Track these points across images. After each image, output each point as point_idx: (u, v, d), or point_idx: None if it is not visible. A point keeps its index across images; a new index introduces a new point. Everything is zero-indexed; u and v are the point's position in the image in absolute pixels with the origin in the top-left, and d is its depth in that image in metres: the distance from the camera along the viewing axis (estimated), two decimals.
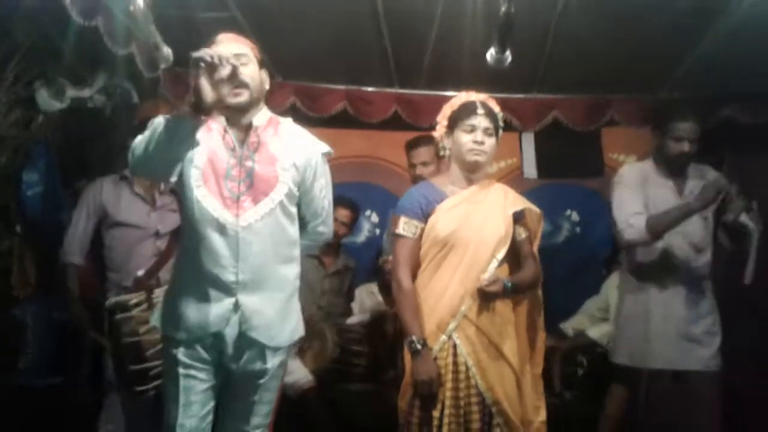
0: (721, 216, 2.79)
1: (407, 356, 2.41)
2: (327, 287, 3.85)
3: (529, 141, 4.37)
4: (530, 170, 4.42)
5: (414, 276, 2.46)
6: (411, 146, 3.34)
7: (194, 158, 2.09)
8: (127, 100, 3.41)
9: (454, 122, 2.50)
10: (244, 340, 2.12)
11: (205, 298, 2.09)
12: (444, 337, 2.35)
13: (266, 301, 2.15)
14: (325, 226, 2.37)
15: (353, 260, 4.03)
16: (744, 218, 2.75)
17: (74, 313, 3.15)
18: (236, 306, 2.10)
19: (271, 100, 3.82)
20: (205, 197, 2.08)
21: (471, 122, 2.45)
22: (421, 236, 2.46)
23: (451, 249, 2.40)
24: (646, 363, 2.92)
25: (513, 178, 4.35)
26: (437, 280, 2.41)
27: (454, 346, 2.35)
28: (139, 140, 1.97)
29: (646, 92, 3.86)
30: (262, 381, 2.17)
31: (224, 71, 1.87)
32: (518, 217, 2.49)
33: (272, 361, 2.18)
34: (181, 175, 2.10)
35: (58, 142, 3.40)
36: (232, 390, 2.19)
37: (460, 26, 3.11)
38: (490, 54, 2.85)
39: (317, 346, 3.48)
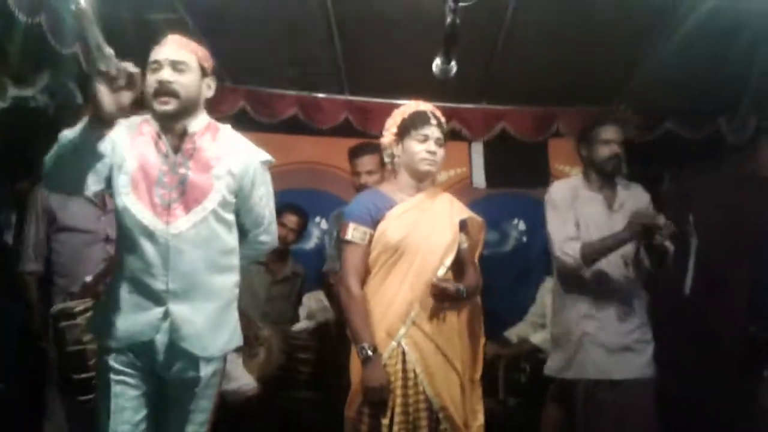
0: (646, 238, 2.82)
1: (355, 363, 2.40)
2: (274, 293, 3.82)
3: (478, 151, 4.44)
4: (479, 179, 4.48)
5: (362, 283, 2.46)
6: (355, 154, 3.32)
7: (124, 165, 2.05)
8: (71, 100, 3.34)
9: (405, 130, 2.50)
10: (175, 350, 2.08)
11: (135, 306, 2.06)
12: (393, 344, 2.36)
13: (197, 310, 2.10)
14: (268, 235, 2.35)
15: (302, 267, 4.01)
16: (667, 242, 2.81)
17: (34, 321, 3.08)
18: (166, 315, 2.06)
19: (221, 104, 3.80)
20: (134, 204, 2.04)
21: (424, 132, 2.46)
22: (370, 243, 2.45)
23: (402, 255, 2.41)
24: (583, 374, 2.95)
25: (462, 187, 4.40)
26: (387, 287, 2.42)
27: (403, 353, 2.36)
28: (48, 155, 1.91)
29: (592, 105, 3.95)
30: (195, 389, 2.14)
31: (120, 81, 1.80)
32: (462, 226, 2.52)
33: (205, 370, 2.14)
34: (110, 182, 2.06)
35: None
36: (165, 398, 2.15)
37: (410, 35, 3.14)
38: (436, 64, 2.88)
39: (262, 352, 3.45)
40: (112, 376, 2.06)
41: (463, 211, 2.56)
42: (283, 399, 3.51)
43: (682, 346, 3.31)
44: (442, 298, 2.38)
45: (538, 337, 3.78)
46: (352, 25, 3.18)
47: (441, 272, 2.42)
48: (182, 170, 2.09)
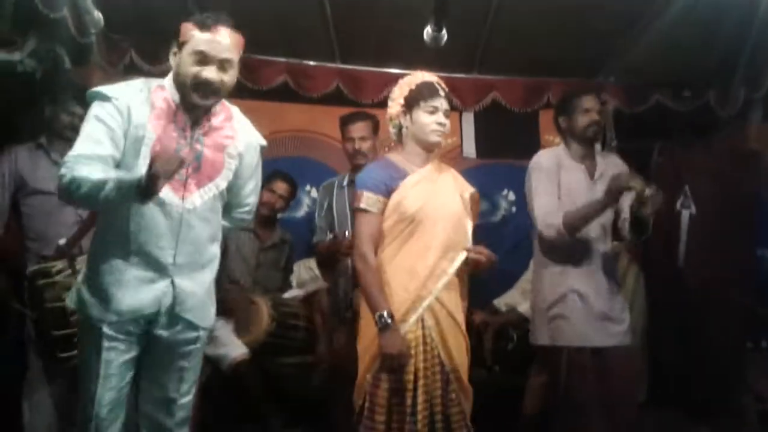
0: (633, 208, 2.84)
1: (369, 330, 2.40)
2: (263, 260, 3.84)
3: (469, 121, 4.43)
4: (469, 149, 4.48)
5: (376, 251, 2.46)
6: (347, 121, 3.30)
7: (143, 135, 2.02)
8: (59, 64, 3.30)
9: (413, 102, 2.49)
10: (177, 318, 2.12)
11: (140, 280, 2.06)
12: (420, 311, 2.39)
13: (198, 282, 2.15)
14: (249, 215, 2.40)
15: (290, 234, 4.02)
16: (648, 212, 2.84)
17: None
18: (171, 287, 2.09)
19: None
20: None
21: (433, 103, 2.46)
22: (383, 212, 2.45)
23: (418, 225, 2.42)
24: (565, 341, 3.00)
25: (453, 157, 4.40)
26: (405, 256, 2.43)
27: (422, 319, 2.39)
28: (82, 181, 1.89)
29: (583, 76, 3.96)
30: (191, 348, 2.18)
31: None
32: (465, 196, 2.56)
33: (202, 332, 2.21)
34: (124, 153, 2.02)
35: None
36: (159, 361, 2.17)
37: (402, 3, 3.12)
38: (427, 32, 2.87)
39: (253, 319, 3.48)
40: (105, 344, 2.04)
41: (465, 185, 2.60)
42: (274, 365, 3.54)
43: (676, 317, 3.35)
44: (476, 266, 2.44)
45: (525, 306, 3.81)
46: None
47: (464, 245, 2.46)
48: (198, 146, 2.10)
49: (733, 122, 3.81)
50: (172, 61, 2.10)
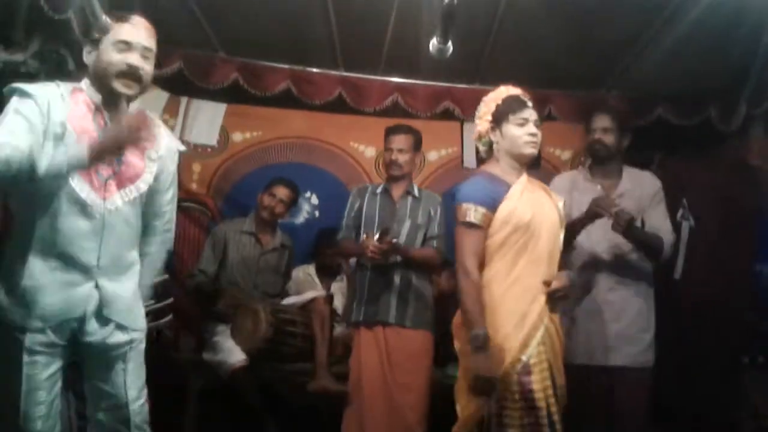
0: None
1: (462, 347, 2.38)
2: (263, 265, 3.85)
3: (470, 131, 4.42)
4: (470, 159, 4.47)
5: (481, 266, 2.39)
6: (390, 132, 3.36)
7: (63, 135, 1.98)
8: (63, 66, 3.30)
9: (502, 116, 2.49)
10: (103, 322, 2.07)
11: (62, 284, 2.01)
12: (543, 326, 2.34)
13: (123, 285, 2.13)
14: (169, 232, 2.35)
15: (290, 238, 4.03)
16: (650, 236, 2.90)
17: None
18: (96, 289, 2.05)
19: (214, 75, 3.78)
20: (74, 178, 1.99)
21: (523, 116, 2.47)
22: (489, 225, 2.38)
23: (531, 236, 2.37)
24: (572, 359, 2.98)
25: (453, 167, 4.40)
26: (520, 270, 2.36)
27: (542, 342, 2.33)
28: (19, 161, 1.84)
29: (586, 88, 3.96)
30: (125, 350, 2.12)
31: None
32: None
33: (134, 334, 2.15)
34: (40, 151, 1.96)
35: None
36: (97, 368, 2.11)
37: (407, 13, 3.13)
38: (432, 44, 2.87)
39: (251, 325, 3.47)
40: (26, 357, 1.96)
41: (557, 195, 2.59)
42: (271, 372, 3.53)
43: (672, 331, 3.33)
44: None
45: None
46: (348, 1, 3.16)
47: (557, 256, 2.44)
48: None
49: (734, 137, 3.82)
50: (89, 59, 2.10)
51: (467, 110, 4.03)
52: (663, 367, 3.11)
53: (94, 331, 2.06)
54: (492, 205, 2.38)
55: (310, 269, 4.12)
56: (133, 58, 2.06)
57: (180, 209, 4.13)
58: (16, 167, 1.84)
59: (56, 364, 2.03)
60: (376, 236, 3.09)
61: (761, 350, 3.73)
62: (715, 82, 3.60)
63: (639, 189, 3.04)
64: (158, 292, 2.90)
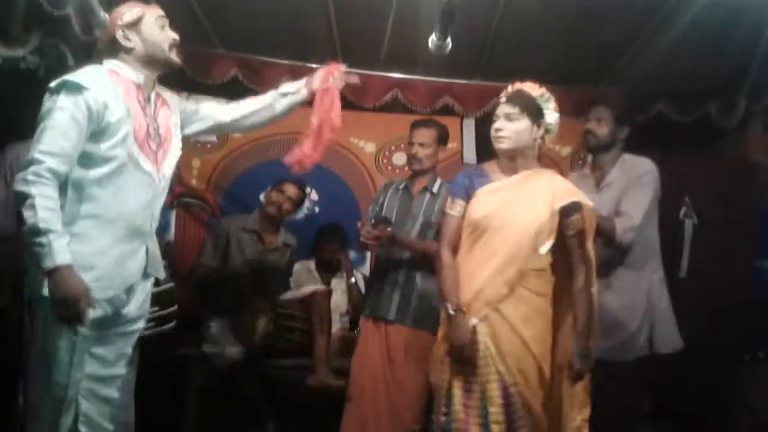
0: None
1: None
2: (264, 263, 3.85)
3: (469, 127, 4.43)
4: (470, 155, 4.48)
5: (456, 251, 2.56)
6: (414, 126, 3.35)
7: (122, 117, 2.11)
8: (62, 62, 3.29)
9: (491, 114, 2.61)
10: (146, 282, 2.28)
11: (126, 253, 2.17)
12: (474, 320, 2.41)
13: (156, 243, 2.33)
14: None
15: (293, 238, 4.02)
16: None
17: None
18: (146, 252, 2.25)
19: (213, 70, 3.78)
20: (139, 154, 2.16)
21: (497, 111, 2.53)
22: (464, 216, 2.55)
23: (484, 233, 2.44)
24: None
25: (453, 163, 4.39)
26: (468, 261, 2.49)
27: (474, 328, 2.41)
28: (29, 205, 1.94)
29: (586, 84, 3.96)
30: (137, 329, 2.32)
31: None
32: (569, 212, 2.43)
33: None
34: (103, 132, 2.07)
35: None
36: (110, 342, 2.21)
37: (406, 8, 3.12)
38: (432, 40, 2.87)
39: (250, 320, 3.48)
40: (81, 331, 2.05)
41: (569, 195, 2.44)
42: (270, 366, 3.54)
43: (679, 330, 3.32)
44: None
45: None
46: None
47: (535, 261, 2.41)
48: (155, 122, 2.26)
49: (734, 133, 3.82)
50: (127, 42, 2.20)
51: (467, 106, 4.05)
52: (663, 363, 3.12)
53: (136, 298, 2.24)
54: (465, 197, 2.57)
55: (310, 264, 4.12)
56: (172, 32, 2.27)
57: (180, 205, 4.19)
58: (63, 174, 2.00)
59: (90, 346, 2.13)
60: (371, 223, 3.09)
61: (762, 346, 3.74)
62: (715, 79, 3.60)
63: (627, 175, 3.02)
64: (164, 299, 2.93)
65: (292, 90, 2.56)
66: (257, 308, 3.47)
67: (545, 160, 4.33)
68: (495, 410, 2.35)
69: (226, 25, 3.54)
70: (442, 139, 3.30)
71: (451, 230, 2.57)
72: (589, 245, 2.45)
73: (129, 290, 2.21)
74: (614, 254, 2.96)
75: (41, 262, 1.93)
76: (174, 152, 2.32)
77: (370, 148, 4.43)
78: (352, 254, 4.23)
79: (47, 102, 2.06)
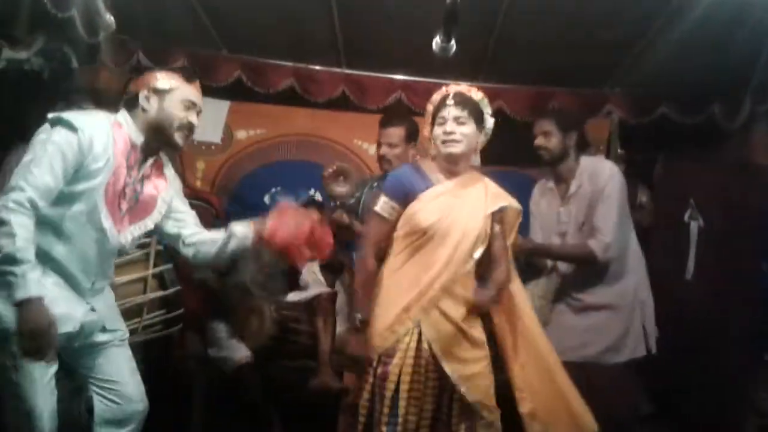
0: None
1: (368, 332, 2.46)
2: (271, 264, 3.84)
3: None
4: (473, 156, 4.47)
5: (380, 256, 2.47)
6: (381, 124, 3.24)
7: (105, 164, 2.08)
8: (66, 64, 3.31)
9: (432, 118, 2.50)
10: (90, 329, 2.19)
11: (67, 299, 2.09)
12: (410, 324, 2.37)
13: (105, 299, 2.28)
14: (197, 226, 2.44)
15: None
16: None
17: None
18: (91, 310, 2.17)
19: (217, 73, 3.79)
20: (103, 207, 2.10)
21: (442, 114, 2.44)
22: (397, 219, 2.44)
23: (430, 239, 2.40)
24: None
25: None
26: (410, 268, 2.41)
27: (419, 335, 2.37)
28: (4, 232, 1.90)
29: (589, 86, 3.96)
30: (111, 342, 2.26)
31: None
32: (497, 215, 2.48)
33: (115, 333, 2.29)
34: (78, 174, 2.05)
35: None
36: (89, 361, 2.23)
37: (410, 10, 3.13)
38: (436, 42, 2.87)
39: (255, 323, 3.47)
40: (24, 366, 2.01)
41: (499, 199, 2.49)
42: (275, 368, 3.54)
43: (682, 329, 3.32)
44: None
45: None
46: None
47: (470, 265, 2.41)
48: (138, 186, 2.21)
49: (738, 135, 3.81)
50: (146, 104, 2.19)
51: None
52: (669, 365, 3.11)
53: (83, 337, 2.17)
54: (404, 201, 2.44)
55: (314, 266, 4.11)
56: (194, 118, 2.25)
57: None
58: (41, 208, 1.97)
59: (52, 369, 2.09)
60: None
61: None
62: (719, 80, 3.60)
63: (590, 185, 2.99)
64: (170, 303, 2.93)
65: (240, 234, 2.38)
66: (263, 311, 3.47)
67: None
68: (427, 414, 2.36)
69: (231, 28, 3.54)
70: (411, 135, 3.19)
71: (378, 231, 2.47)
72: (510, 241, 2.54)
73: (73, 335, 2.12)
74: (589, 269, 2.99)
75: (13, 292, 1.89)
76: (146, 222, 2.26)
77: (373, 150, 4.41)
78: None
79: (42, 133, 2.06)
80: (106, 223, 2.10)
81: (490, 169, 4.41)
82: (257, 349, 3.44)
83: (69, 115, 2.06)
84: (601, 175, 2.98)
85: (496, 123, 3.98)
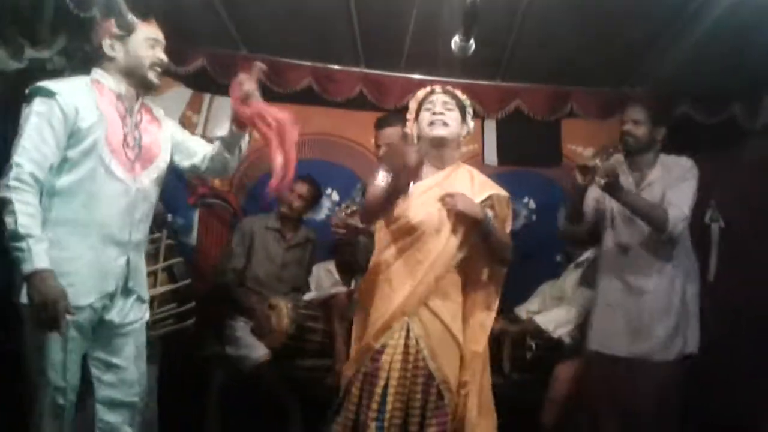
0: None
1: (357, 329, 2.55)
2: (288, 259, 3.87)
3: (491, 128, 4.42)
4: (491, 156, 4.47)
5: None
6: (378, 125, 3.27)
7: (95, 125, 2.15)
8: (88, 63, 3.33)
9: (417, 111, 2.57)
10: (127, 295, 2.27)
11: (101, 260, 2.17)
12: (405, 319, 2.40)
13: (141, 257, 2.36)
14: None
15: (313, 232, 4.04)
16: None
17: None
18: (127, 263, 2.25)
19: (235, 72, 3.78)
20: (111, 161, 2.18)
21: (430, 100, 2.53)
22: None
23: (422, 234, 2.43)
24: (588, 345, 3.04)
25: (474, 164, 4.29)
26: (404, 262, 2.45)
27: (408, 329, 2.40)
28: (9, 211, 1.98)
29: (609, 86, 3.94)
30: (135, 327, 2.32)
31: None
32: (485, 201, 2.51)
33: (143, 309, 2.37)
34: (73, 137, 2.11)
35: (13, 103, 3.31)
36: (108, 345, 2.26)
37: (428, 9, 3.12)
38: (455, 42, 2.87)
39: (273, 321, 3.49)
40: (71, 333, 2.09)
41: (485, 188, 2.54)
42: (293, 367, 3.56)
43: (709, 333, 3.29)
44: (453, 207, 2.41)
45: (542, 318, 3.76)
46: None
47: (461, 254, 2.45)
48: (136, 133, 2.28)
49: (759, 134, 3.76)
50: (111, 52, 2.25)
51: (488, 107, 4.04)
52: (697, 369, 3.09)
53: (118, 307, 2.25)
54: None
55: (330, 266, 4.13)
56: (161, 53, 2.31)
57: (203, 205, 4.21)
58: (43, 179, 2.05)
59: (84, 342, 2.17)
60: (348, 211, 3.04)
61: None
62: (739, 80, 3.55)
63: (668, 174, 3.02)
64: (181, 296, 2.95)
65: (224, 133, 2.49)
66: (280, 309, 3.49)
67: (568, 162, 4.34)
68: (415, 411, 2.37)
69: (250, 27, 3.56)
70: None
71: (375, 191, 2.47)
72: (507, 229, 2.60)
73: (109, 299, 2.21)
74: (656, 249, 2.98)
75: (21, 267, 1.96)
76: (157, 164, 2.34)
77: None
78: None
79: (25, 109, 2.12)
80: (120, 173, 2.19)
81: (508, 169, 4.47)
82: (275, 348, 3.46)
83: (44, 83, 2.12)
84: (681, 165, 3.04)
85: (514, 122, 4.01)
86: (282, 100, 4.02)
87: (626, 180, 3.07)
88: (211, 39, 3.66)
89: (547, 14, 3.18)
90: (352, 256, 3.64)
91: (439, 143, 2.51)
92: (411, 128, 2.60)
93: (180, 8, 3.14)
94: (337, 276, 4.10)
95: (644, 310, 2.96)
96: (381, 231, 2.55)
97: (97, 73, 2.27)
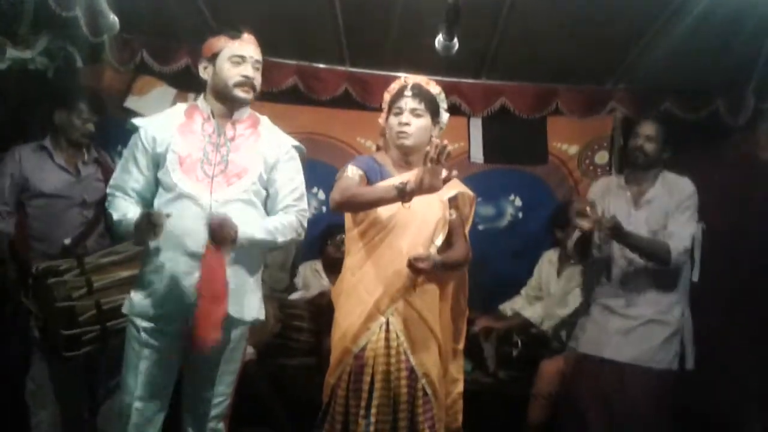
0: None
1: (336, 332, 2.50)
2: (270, 261, 3.85)
3: (476, 126, 4.42)
4: (477, 154, 4.47)
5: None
6: None
7: (170, 147, 2.31)
8: (71, 63, 3.32)
9: (389, 107, 2.55)
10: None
11: (176, 271, 2.25)
12: (382, 318, 2.42)
13: (231, 274, 2.27)
14: (298, 213, 2.48)
15: None
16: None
17: (9, 279, 3.07)
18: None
19: None
20: (180, 177, 2.28)
21: (399, 105, 2.48)
22: (359, 182, 2.46)
23: (390, 232, 2.44)
24: (576, 347, 3.08)
25: (460, 162, 4.39)
26: (375, 262, 2.46)
27: (387, 323, 2.42)
28: (110, 217, 2.37)
29: (593, 83, 3.95)
30: (225, 351, 2.32)
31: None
32: (451, 201, 2.54)
33: (234, 333, 2.33)
34: (156, 162, 2.33)
35: None
36: (193, 363, 2.32)
37: (413, 8, 3.13)
38: (438, 41, 2.88)
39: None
40: (144, 346, 2.26)
41: (452, 187, 2.51)
42: (278, 366, 3.55)
43: (701, 333, 3.31)
44: (417, 273, 2.39)
45: (530, 311, 3.80)
46: None
47: (432, 251, 2.45)
48: (224, 150, 2.34)
49: (742, 131, 3.79)
50: (205, 74, 2.38)
51: (474, 105, 4.04)
52: (690, 371, 3.12)
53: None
54: (366, 173, 2.49)
55: (317, 265, 4.13)
56: (248, 70, 2.35)
57: None
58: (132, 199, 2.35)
59: (170, 355, 2.30)
60: None
61: None
62: (723, 76, 3.58)
63: (668, 195, 3.05)
64: None
65: None
66: (266, 308, 3.48)
67: (553, 159, 4.36)
68: (403, 407, 2.39)
69: (234, 26, 3.53)
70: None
71: (346, 184, 2.44)
72: (467, 228, 2.61)
73: (185, 310, 2.23)
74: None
75: (135, 237, 2.23)
76: (244, 181, 2.34)
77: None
78: None
79: None
80: (191, 189, 2.26)
81: (494, 167, 4.48)
82: (260, 347, 3.46)
83: (134, 120, 2.39)
84: (683, 190, 3.07)
85: (500, 120, 4.02)
86: (267, 99, 4.02)
87: (623, 194, 3.09)
88: (195, 38, 3.64)
89: (531, 12, 3.19)
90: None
91: (404, 149, 2.52)
92: (384, 122, 2.60)
93: (163, 7, 3.13)
94: (323, 275, 4.10)
95: (640, 325, 2.99)
96: (351, 232, 2.55)
97: (200, 97, 2.43)
